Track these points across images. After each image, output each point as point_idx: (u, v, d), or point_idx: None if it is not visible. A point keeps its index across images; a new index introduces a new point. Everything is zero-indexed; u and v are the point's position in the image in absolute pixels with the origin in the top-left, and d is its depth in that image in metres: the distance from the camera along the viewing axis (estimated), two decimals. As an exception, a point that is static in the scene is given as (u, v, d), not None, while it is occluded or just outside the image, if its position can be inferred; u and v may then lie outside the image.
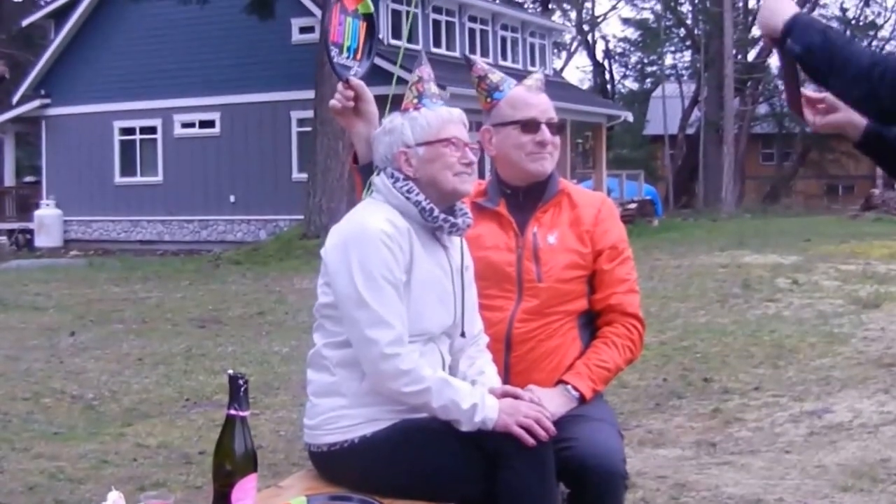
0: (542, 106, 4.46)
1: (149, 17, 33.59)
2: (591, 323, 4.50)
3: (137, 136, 36.52)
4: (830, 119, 3.63)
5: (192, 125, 35.21)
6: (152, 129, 36.14)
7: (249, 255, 27.38)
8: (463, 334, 4.11)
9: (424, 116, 4.00)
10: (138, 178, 36.49)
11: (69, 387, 10.97)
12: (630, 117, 47.84)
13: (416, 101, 4.04)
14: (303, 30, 31.86)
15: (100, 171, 36.57)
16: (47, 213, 36.68)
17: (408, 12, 33.62)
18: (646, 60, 73.17)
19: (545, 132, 4.41)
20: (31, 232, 36.96)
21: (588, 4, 72.48)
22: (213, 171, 34.60)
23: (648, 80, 74.14)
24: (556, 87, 42.43)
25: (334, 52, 4.25)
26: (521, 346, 4.33)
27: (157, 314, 16.72)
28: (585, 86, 71.09)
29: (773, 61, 61.72)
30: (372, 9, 4.40)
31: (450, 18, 37.80)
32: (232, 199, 34.14)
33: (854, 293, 15.75)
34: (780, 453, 7.86)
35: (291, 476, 4.30)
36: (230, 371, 3.44)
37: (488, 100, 4.54)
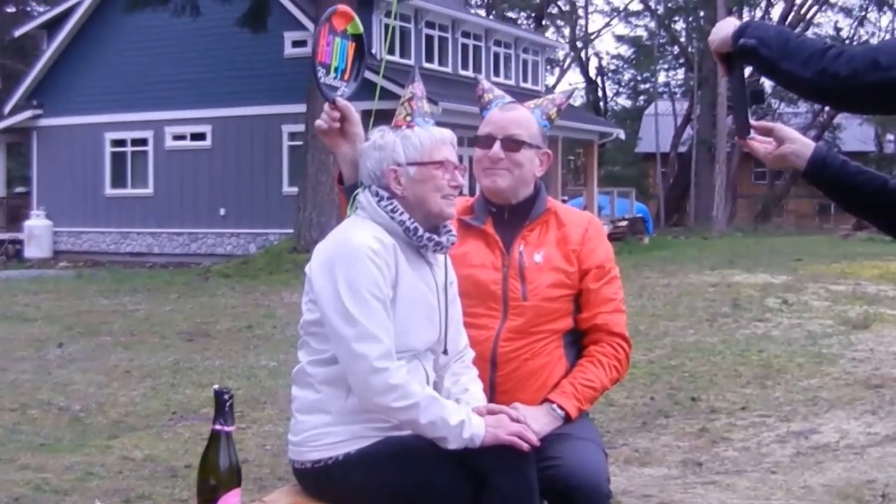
0: (502, 122, 4.44)
1: (142, 29, 33.57)
2: (577, 342, 4.50)
3: (129, 148, 36.42)
4: (778, 151, 3.56)
5: (183, 138, 35.17)
6: (143, 142, 36.06)
7: (239, 268, 27.33)
8: (445, 351, 4.11)
9: (417, 136, 3.99)
10: (129, 190, 36.40)
11: (56, 398, 10.97)
12: (622, 135, 47.87)
13: (409, 118, 4.03)
14: (295, 43, 31.84)
15: (91, 182, 36.52)
16: (37, 223, 36.60)
17: (388, 13, 33.70)
18: (639, 78, 73.20)
19: (496, 148, 4.39)
20: (20, 243, 36.87)
21: (581, 21, 72.65)
22: (204, 183, 34.58)
23: (642, 97, 74.20)
24: (548, 103, 42.50)
25: (321, 72, 4.23)
26: (507, 365, 4.32)
27: (146, 327, 16.70)
28: (578, 103, 71.20)
29: (767, 83, 61.92)
30: (361, 30, 4.39)
31: (443, 34, 37.83)
32: (222, 212, 34.12)
33: (843, 314, 15.77)
34: (765, 473, 7.87)
35: (276, 491, 4.30)
36: (216, 386, 3.46)
37: (481, 118, 4.55)
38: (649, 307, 17.49)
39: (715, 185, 49.28)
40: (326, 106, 4.24)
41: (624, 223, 41.41)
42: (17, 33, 41.88)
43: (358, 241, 3.83)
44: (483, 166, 4.43)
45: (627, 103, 77.68)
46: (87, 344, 14.74)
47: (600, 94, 75.43)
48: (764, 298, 17.76)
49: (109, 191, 36.68)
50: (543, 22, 68.50)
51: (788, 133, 3.56)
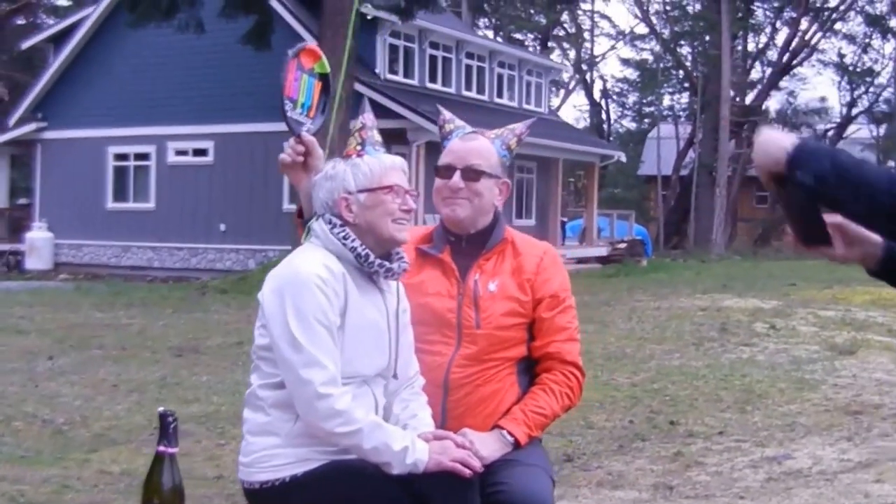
0: (462, 152, 4.54)
1: (147, 44, 33.67)
2: (531, 369, 4.59)
3: (131, 163, 36.51)
4: (852, 253, 3.36)
5: (185, 153, 35.28)
6: (146, 156, 36.14)
7: (236, 284, 27.42)
8: (395, 376, 4.21)
9: (367, 164, 4.10)
10: (130, 204, 36.49)
11: (41, 411, 11.06)
12: (623, 157, 47.94)
13: (359, 147, 4.15)
14: (300, 64, 31.96)
15: (92, 195, 36.58)
16: (38, 235, 36.70)
17: (392, 32, 33.85)
18: (644, 101, 73.26)
19: (455, 178, 4.48)
20: (21, 254, 36.99)
21: (587, 44, 72.81)
22: (205, 199, 34.68)
23: (646, 120, 74.27)
24: (550, 125, 42.55)
25: (288, 106, 4.37)
26: (459, 391, 4.42)
27: (138, 341, 16.78)
28: (581, 125, 71.32)
29: (771, 104, 62.15)
30: (328, 69, 4.54)
31: (447, 55, 37.94)
32: (222, 227, 34.21)
33: (830, 339, 15.83)
34: (734, 498, 7.95)
35: (227, 511, 4.39)
36: (161, 408, 3.57)
37: (442, 146, 4.66)
38: (638, 330, 17.57)
39: (715, 209, 49.38)
40: (292, 140, 4.38)
41: (622, 245, 41.52)
42: (25, 46, 42.06)
43: (307, 269, 3.95)
44: (443, 196, 4.52)
45: (632, 126, 77.78)
46: (78, 357, 14.83)
47: (604, 116, 75.54)
48: (752, 323, 17.82)
49: (111, 204, 36.78)
50: (549, 44, 68.69)
51: (857, 233, 3.30)
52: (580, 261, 38.44)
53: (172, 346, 16.05)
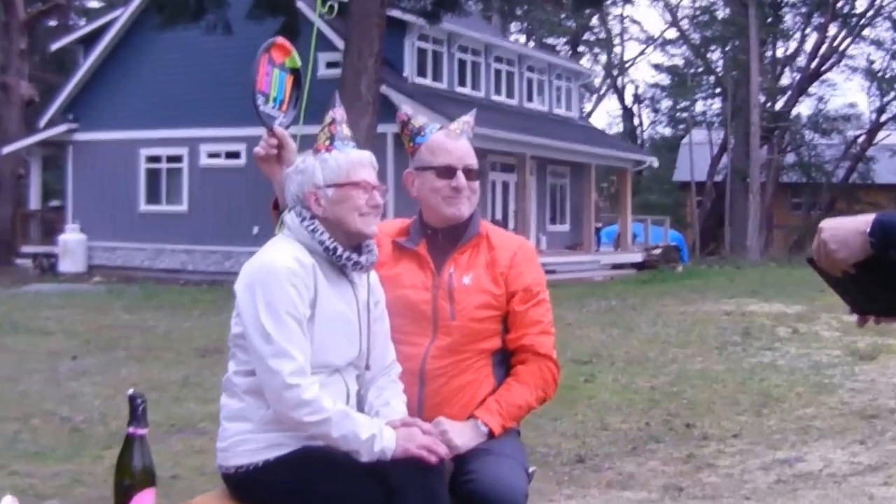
0: (459, 152, 4.60)
1: (177, 46, 33.75)
2: (506, 361, 4.64)
3: (164, 165, 36.52)
4: None
5: (217, 155, 35.29)
6: (178, 158, 36.13)
7: (266, 286, 27.44)
8: (368, 367, 4.28)
9: (335, 158, 4.16)
10: (163, 207, 36.51)
11: (60, 409, 11.16)
12: (655, 163, 47.76)
13: (328, 142, 4.20)
14: (329, 65, 31.98)
15: (125, 197, 36.63)
16: (71, 238, 36.71)
17: (420, 36, 33.96)
18: (677, 107, 73.13)
19: (460, 178, 4.55)
20: (55, 256, 37.02)
21: (617, 49, 72.76)
22: (238, 201, 34.67)
23: (681, 126, 74.15)
24: (581, 130, 42.61)
25: (260, 100, 4.46)
26: (434, 382, 4.48)
27: (163, 343, 16.90)
28: (614, 130, 71.25)
29: (802, 109, 61.81)
30: (299, 63, 4.61)
31: (475, 58, 37.97)
32: (255, 230, 34.23)
33: (852, 344, 15.80)
34: (740, 499, 7.97)
35: (203, 495, 4.45)
36: (130, 391, 3.65)
37: (411, 144, 4.68)
38: (662, 334, 17.61)
39: (749, 215, 49.24)
40: (265, 133, 4.45)
41: (657, 251, 41.41)
42: (54, 47, 42.25)
43: (277, 262, 4.04)
44: (443, 195, 4.57)
45: (666, 132, 77.69)
46: (101, 358, 14.94)
47: (636, 122, 75.45)
48: (775, 328, 17.82)
49: (144, 207, 36.79)
50: (579, 49, 68.65)
51: None
52: (615, 267, 38.40)
53: (197, 346, 16.13)
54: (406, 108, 4.91)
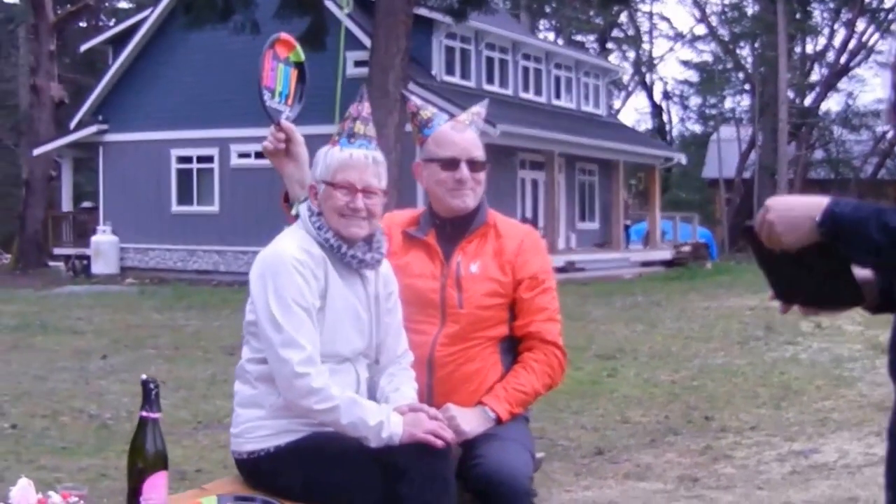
0: (464, 144, 4.70)
1: (206, 46, 33.80)
2: (514, 349, 4.76)
3: (194, 165, 36.59)
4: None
5: (248, 155, 35.25)
6: (209, 159, 36.23)
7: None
8: (377, 359, 4.42)
9: (332, 156, 4.26)
10: (195, 207, 36.58)
11: (88, 406, 11.32)
12: (683, 159, 47.68)
13: (337, 137, 4.31)
14: (357, 63, 32.06)
15: (157, 198, 36.73)
16: (104, 239, 36.89)
17: (448, 34, 34.06)
18: (706, 103, 72.88)
19: (464, 170, 4.65)
20: (87, 258, 37.21)
21: (646, 46, 72.65)
22: (268, 201, 34.63)
23: (710, 122, 73.91)
24: (609, 127, 42.56)
25: (266, 95, 4.58)
26: (443, 369, 4.61)
27: (192, 341, 17.06)
28: (643, 127, 71.14)
29: (831, 105, 61.55)
30: (303, 57, 4.73)
31: (503, 56, 38.00)
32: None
33: (875, 338, 15.80)
34: (753, 489, 8.06)
35: (216, 480, 4.61)
36: (144, 376, 3.78)
37: (419, 135, 4.80)
38: (685, 329, 17.70)
39: (778, 212, 49.06)
40: (272, 127, 4.59)
41: (686, 248, 41.35)
42: (84, 48, 42.38)
43: (287, 253, 4.15)
44: (448, 187, 4.69)
45: (696, 128, 77.45)
46: (131, 356, 15.11)
47: (665, 118, 75.28)
48: (798, 322, 17.83)
49: (175, 208, 36.87)
50: (608, 46, 68.58)
51: (863, 277, 2.99)
52: (644, 264, 38.37)
53: (225, 345, 16.24)
54: (415, 99, 4.98)
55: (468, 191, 4.69)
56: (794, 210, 2.81)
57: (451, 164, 4.69)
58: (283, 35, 4.71)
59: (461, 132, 4.74)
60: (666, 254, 40.57)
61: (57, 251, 39.41)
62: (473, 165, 4.68)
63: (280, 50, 4.66)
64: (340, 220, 4.21)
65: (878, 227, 2.65)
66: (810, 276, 2.91)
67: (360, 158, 4.24)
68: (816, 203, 2.78)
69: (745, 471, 8.67)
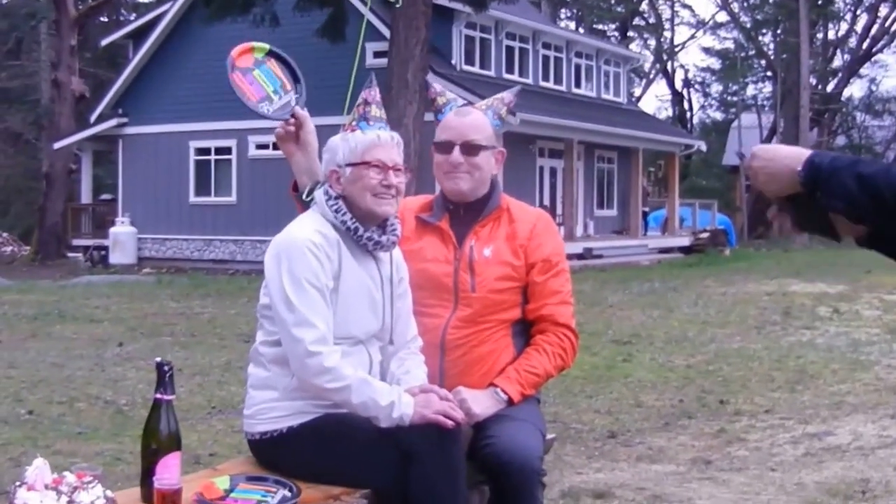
0: (461, 128, 4.71)
1: (225, 38, 33.58)
2: (526, 332, 4.78)
3: (212, 157, 36.72)
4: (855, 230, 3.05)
5: (265, 147, 35.27)
6: (227, 150, 36.32)
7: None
8: (391, 342, 4.45)
9: (354, 138, 4.29)
10: (212, 198, 36.75)
11: (105, 393, 11.35)
12: (703, 147, 47.67)
13: (354, 123, 4.33)
14: (377, 54, 32.06)
15: (175, 190, 36.90)
16: (122, 230, 37.11)
17: (468, 24, 34.01)
18: (728, 91, 72.69)
19: (456, 153, 4.67)
20: (105, 249, 37.43)
21: (667, 33, 72.47)
22: (286, 192, 34.70)
23: (731, 110, 73.71)
24: (629, 115, 42.50)
25: (265, 106, 4.60)
26: (455, 351, 4.64)
27: (208, 329, 17.09)
28: (663, 115, 70.99)
29: (853, 91, 61.30)
30: (267, 46, 4.74)
31: (523, 45, 37.99)
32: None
33: (892, 322, 15.85)
34: (765, 471, 8.06)
35: (229, 461, 4.63)
36: (157, 359, 3.81)
37: (436, 121, 4.86)
38: (702, 315, 17.70)
39: (798, 198, 48.93)
40: (297, 111, 4.64)
41: (705, 235, 41.32)
42: (104, 43, 42.57)
43: (300, 234, 4.20)
44: (444, 170, 4.73)
45: (717, 115, 77.26)
46: (147, 344, 15.12)
47: (686, 106, 75.09)
48: (816, 307, 17.85)
49: (193, 198, 37.01)
50: (629, 34, 68.46)
51: None
52: (662, 251, 38.38)
53: (241, 332, 16.27)
54: (436, 85, 5.02)
55: (462, 174, 4.70)
56: (777, 159, 2.94)
57: (445, 147, 4.72)
58: (233, 52, 4.69)
59: (462, 116, 4.76)
60: (684, 240, 40.58)
61: (76, 242, 39.63)
62: (469, 149, 4.69)
63: (242, 63, 4.65)
64: (373, 200, 4.26)
65: (852, 175, 2.77)
66: (807, 218, 3.01)
67: (386, 139, 4.30)
68: (798, 154, 2.90)
69: (758, 453, 8.68)
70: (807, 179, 2.85)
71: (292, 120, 4.62)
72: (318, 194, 4.37)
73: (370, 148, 4.27)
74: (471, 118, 4.75)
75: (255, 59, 4.68)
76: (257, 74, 4.65)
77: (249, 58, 4.68)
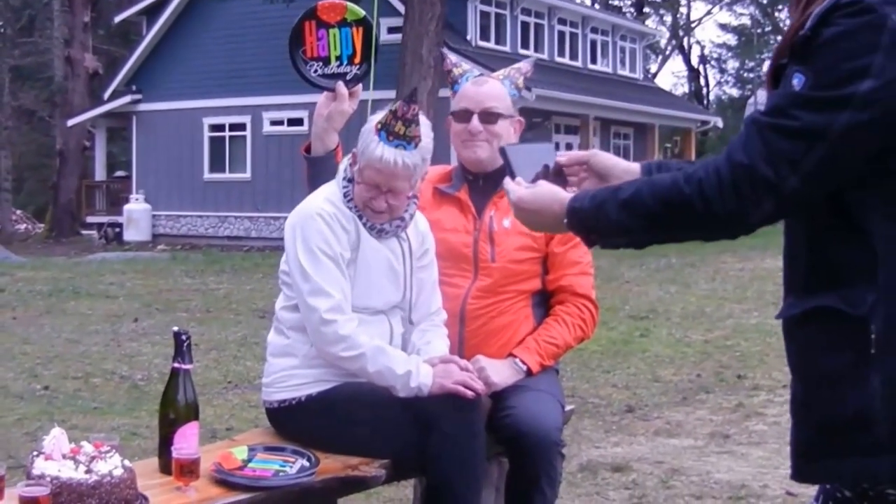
0: (479, 97, 4.66)
1: (238, 14, 33.85)
2: (546, 302, 4.76)
3: (227, 133, 36.59)
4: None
5: (280, 123, 35.30)
6: (241, 126, 36.19)
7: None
8: (412, 314, 4.42)
9: (370, 147, 4.18)
10: (227, 175, 36.64)
11: (120, 368, 11.35)
12: (720, 122, 47.58)
13: (380, 126, 4.18)
14: (391, 30, 31.96)
15: (189, 166, 36.86)
16: (136, 207, 37.07)
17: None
18: (746, 66, 72.49)
19: (475, 122, 4.63)
20: (120, 226, 37.43)
21: (683, 9, 72.21)
22: (301, 168, 34.70)
23: (748, 86, 73.48)
24: (645, 91, 42.41)
25: (316, 66, 4.54)
26: (474, 322, 4.62)
27: (223, 304, 17.08)
28: (680, 91, 70.78)
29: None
30: (362, 13, 4.61)
31: (538, 21, 37.84)
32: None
33: (910, 297, 15.73)
34: (784, 445, 7.90)
35: (247, 431, 4.60)
36: (175, 328, 3.77)
37: (452, 92, 4.81)
38: (720, 290, 17.64)
39: (813, 174, 48.84)
40: (340, 86, 4.57)
41: (721, 211, 41.20)
42: (117, 19, 42.38)
43: (314, 205, 4.22)
44: (462, 139, 4.69)
45: (733, 92, 77.02)
46: (162, 319, 15.10)
47: (702, 82, 74.85)
48: (835, 283, 17.74)
49: (208, 175, 36.92)
50: (645, 9, 68.25)
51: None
52: (679, 226, 38.28)
53: (256, 308, 16.28)
54: (452, 56, 4.97)
55: (481, 142, 4.66)
56: (541, 213, 2.81)
57: (463, 115, 4.68)
58: (321, 2, 4.60)
59: (480, 85, 4.73)
60: (700, 217, 40.38)
61: (90, 219, 39.65)
62: (488, 117, 4.65)
63: (326, 17, 4.57)
64: (364, 207, 4.24)
65: (615, 206, 2.57)
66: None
67: (388, 163, 4.14)
68: (560, 205, 2.73)
69: (776, 427, 8.60)
70: (577, 229, 2.72)
71: (344, 91, 4.57)
72: (340, 169, 4.37)
73: (370, 165, 4.19)
74: (488, 87, 4.71)
75: (343, 19, 4.60)
76: (333, 34, 4.59)
77: (336, 16, 4.60)
